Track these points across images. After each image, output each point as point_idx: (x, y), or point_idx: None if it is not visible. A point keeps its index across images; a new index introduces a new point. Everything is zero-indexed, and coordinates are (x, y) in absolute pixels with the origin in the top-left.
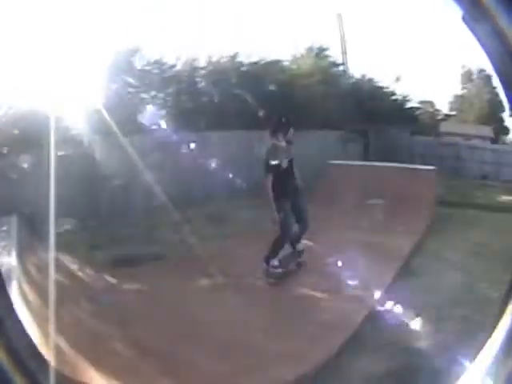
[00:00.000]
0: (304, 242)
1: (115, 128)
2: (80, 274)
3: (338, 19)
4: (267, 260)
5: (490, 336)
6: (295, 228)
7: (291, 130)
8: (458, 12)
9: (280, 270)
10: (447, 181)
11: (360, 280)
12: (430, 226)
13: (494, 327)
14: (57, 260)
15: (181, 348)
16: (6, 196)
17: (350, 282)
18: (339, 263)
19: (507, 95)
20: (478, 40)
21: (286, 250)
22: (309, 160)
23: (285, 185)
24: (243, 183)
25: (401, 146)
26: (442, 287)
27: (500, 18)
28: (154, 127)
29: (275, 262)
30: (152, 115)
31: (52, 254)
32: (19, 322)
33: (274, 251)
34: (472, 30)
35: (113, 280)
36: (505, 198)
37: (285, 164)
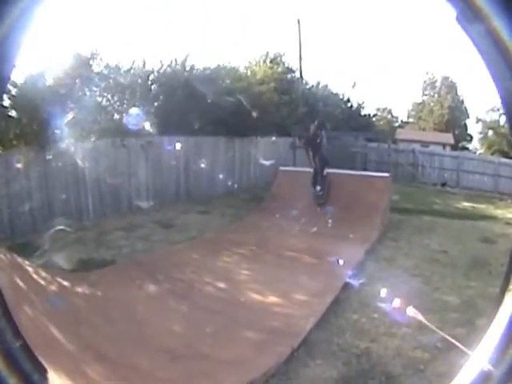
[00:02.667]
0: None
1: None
2: (35, 276)
3: (295, 25)
4: (313, 186)
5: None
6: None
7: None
8: (451, 12)
9: (322, 193)
10: (403, 187)
11: (308, 286)
12: (383, 233)
13: (490, 322)
14: (14, 262)
15: (127, 352)
16: None
17: (297, 288)
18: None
19: (500, 95)
20: (472, 40)
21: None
22: (259, 166)
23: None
24: (184, 189)
25: (355, 152)
26: (395, 293)
27: (494, 18)
28: (108, 130)
29: (318, 188)
30: (108, 118)
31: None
32: (13, 322)
33: (315, 180)
34: (466, 31)
35: (65, 283)
36: (465, 204)
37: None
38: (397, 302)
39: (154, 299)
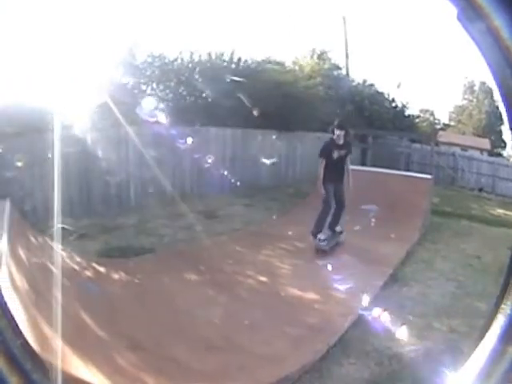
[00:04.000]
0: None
1: (116, 120)
2: (70, 262)
3: (341, 22)
4: (314, 234)
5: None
6: (333, 205)
7: (342, 133)
8: (453, 12)
9: (325, 243)
10: (443, 190)
11: (350, 284)
12: (423, 235)
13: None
14: (47, 247)
15: (163, 341)
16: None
17: (339, 286)
18: (329, 266)
19: (501, 93)
20: (473, 40)
21: (327, 232)
22: (307, 162)
23: (332, 172)
24: (237, 180)
25: (399, 152)
26: (431, 297)
27: (495, 17)
28: (153, 120)
29: (322, 236)
30: (152, 108)
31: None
32: (14, 320)
33: (318, 224)
34: (467, 30)
35: (101, 269)
36: (499, 210)
37: (335, 155)
38: (377, 312)
39: (193, 289)
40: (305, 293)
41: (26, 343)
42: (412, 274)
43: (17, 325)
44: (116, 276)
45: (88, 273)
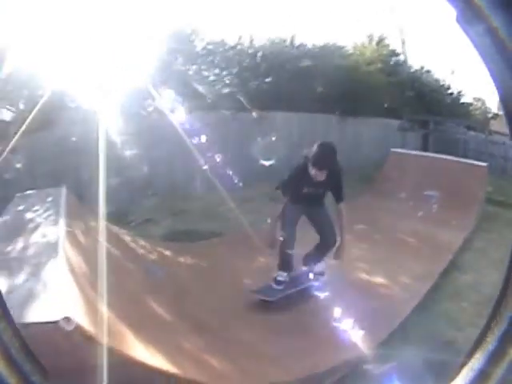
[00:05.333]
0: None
1: (178, 105)
2: (134, 246)
3: (394, 9)
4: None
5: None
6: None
7: (321, 173)
8: (451, 13)
9: (280, 288)
10: (495, 179)
11: (411, 270)
12: (478, 223)
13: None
14: (110, 231)
15: (229, 324)
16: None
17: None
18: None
19: (500, 96)
20: (472, 41)
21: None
22: (371, 147)
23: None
24: None
25: (457, 139)
26: (485, 285)
27: (494, 18)
28: (216, 105)
29: (280, 277)
30: (214, 93)
31: (102, 225)
32: (13, 323)
33: (286, 261)
34: (466, 32)
35: (166, 252)
36: None
37: (305, 190)
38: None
39: (261, 272)
40: (372, 277)
41: (24, 345)
42: (468, 262)
43: (16, 326)
44: (182, 259)
45: (153, 256)
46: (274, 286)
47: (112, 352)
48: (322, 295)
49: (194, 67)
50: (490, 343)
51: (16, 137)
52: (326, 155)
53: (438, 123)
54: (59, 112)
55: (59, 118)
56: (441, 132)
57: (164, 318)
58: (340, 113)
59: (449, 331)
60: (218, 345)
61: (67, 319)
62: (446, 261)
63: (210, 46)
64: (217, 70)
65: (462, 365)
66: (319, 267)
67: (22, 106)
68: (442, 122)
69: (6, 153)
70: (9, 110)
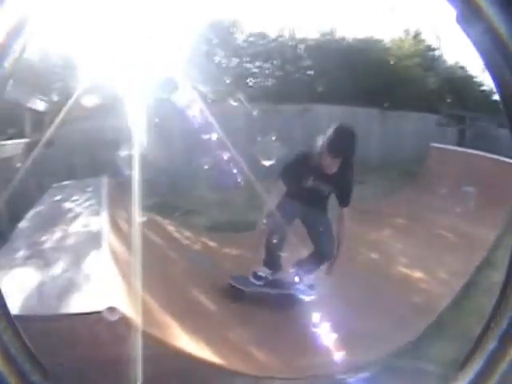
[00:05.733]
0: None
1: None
2: (177, 235)
3: (432, 5)
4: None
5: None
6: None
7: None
8: (451, 13)
9: (257, 283)
10: None
11: (450, 264)
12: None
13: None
14: (153, 221)
15: (278, 318)
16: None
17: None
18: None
19: (500, 95)
20: (472, 41)
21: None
22: (412, 142)
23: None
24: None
25: (491, 136)
26: None
27: (494, 18)
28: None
29: (261, 272)
30: (256, 85)
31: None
32: (13, 322)
33: (272, 260)
34: (465, 32)
35: (211, 243)
36: None
37: (309, 183)
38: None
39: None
40: (411, 271)
41: (24, 344)
42: (500, 259)
43: (16, 325)
44: (226, 250)
45: (197, 246)
46: (252, 279)
47: (157, 342)
48: (308, 298)
49: (236, 60)
50: (491, 343)
51: (52, 127)
52: (345, 140)
53: (474, 119)
54: (94, 103)
55: (95, 109)
56: (476, 128)
57: (209, 308)
58: (380, 106)
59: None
60: (265, 337)
61: (112, 309)
62: (480, 257)
63: (251, 39)
64: (258, 63)
65: (463, 364)
66: (310, 279)
67: (55, 97)
68: (477, 118)
69: (41, 143)
70: (42, 100)
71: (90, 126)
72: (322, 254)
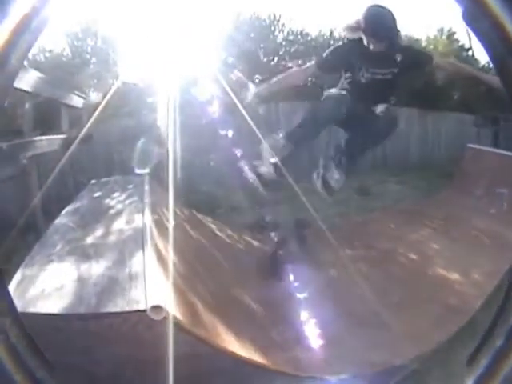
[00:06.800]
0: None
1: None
2: (220, 234)
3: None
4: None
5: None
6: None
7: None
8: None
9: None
10: None
11: (484, 265)
12: None
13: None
14: (195, 219)
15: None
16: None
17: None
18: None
19: (507, 91)
20: (478, 38)
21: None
22: (447, 141)
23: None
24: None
25: None
26: None
27: (500, 15)
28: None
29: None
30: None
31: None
32: (19, 319)
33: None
34: (472, 28)
35: (254, 242)
36: None
37: (364, 76)
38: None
39: (347, 264)
40: (447, 272)
41: (31, 341)
42: None
43: (22, 322)
44: (266, 248)
45: (239, 245)
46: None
47: (203, 342)
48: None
49: (276, 58)
50: (497, 340)
51: (89, 123)
52: (386, 19)
53: (508, 120)
54: (133, 100)
55: (133, 106)
56: (510, 130)
57: (252, 307)
58: (419, 107)
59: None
60: (304, 336)
61: (157, 308)
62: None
63: (290, 37)
64: (300, 61)
65: (469, 361)
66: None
67: (92, 95)
68: (511, 119)
69: (79, 139)
70: (80, 96)
71: (129, 123)
72: (380, 131)
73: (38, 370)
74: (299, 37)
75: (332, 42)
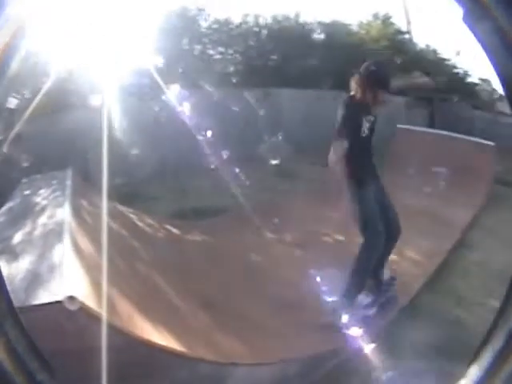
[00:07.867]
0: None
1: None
2: (140, 224)
3: None
4: (349, 297)
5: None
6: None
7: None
8: (458, 12)
9: (374, 311)
10: (502, 160)
11: (421, 245)
12: (487, 201)
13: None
14: (116, 210)
15: (237, 300)
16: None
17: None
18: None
19: (507, 95)
20: (479, 40)
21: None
22: (379, 123)
23: (364, 165)
24: (309, 141)
25: (463, 118)
26: (493, 263)
27: (500, 17)
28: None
29: (365, 300)
30: (219, 71)
31: (105, 204)
32: (19, 321)
33: (357, 281)
34: (472, 30)
35: (174, 230)
36: None
37: (365, 129)
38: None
39: (267, 247)
40: None
41: (31, 343)
42: (477, 240)
43: (22, 324)
44: (189, 237)
45: (160, 234)
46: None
47: (118, 332)
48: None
49: (199, 46)
50: (498, 340)
51: (19, 123)
52: (387, 74)
53: (444, 100)
54: (65, 97)
55: (65, 104)
56: (447, 110)
57: (171, 295)
58: (348, 89)
59: (456, 310)
60: (226, 321)
61: (71, 299)
62: (454, 238)
63: (214, 25)
64: (222, 49)
65: (471, 362)
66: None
67: (27, 95)
68: (447, 100)
69: (9, 140)
70: (15, 97)
71: (59, 120)
72: (396, 222)
73: (38, 372)
74: (223, 26)
75: (256, 30)
